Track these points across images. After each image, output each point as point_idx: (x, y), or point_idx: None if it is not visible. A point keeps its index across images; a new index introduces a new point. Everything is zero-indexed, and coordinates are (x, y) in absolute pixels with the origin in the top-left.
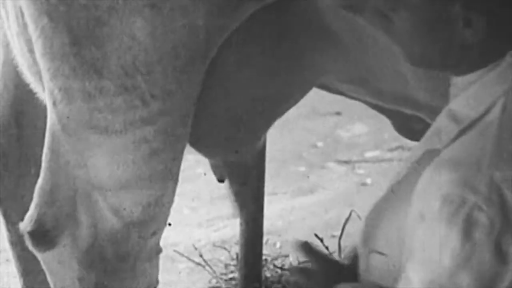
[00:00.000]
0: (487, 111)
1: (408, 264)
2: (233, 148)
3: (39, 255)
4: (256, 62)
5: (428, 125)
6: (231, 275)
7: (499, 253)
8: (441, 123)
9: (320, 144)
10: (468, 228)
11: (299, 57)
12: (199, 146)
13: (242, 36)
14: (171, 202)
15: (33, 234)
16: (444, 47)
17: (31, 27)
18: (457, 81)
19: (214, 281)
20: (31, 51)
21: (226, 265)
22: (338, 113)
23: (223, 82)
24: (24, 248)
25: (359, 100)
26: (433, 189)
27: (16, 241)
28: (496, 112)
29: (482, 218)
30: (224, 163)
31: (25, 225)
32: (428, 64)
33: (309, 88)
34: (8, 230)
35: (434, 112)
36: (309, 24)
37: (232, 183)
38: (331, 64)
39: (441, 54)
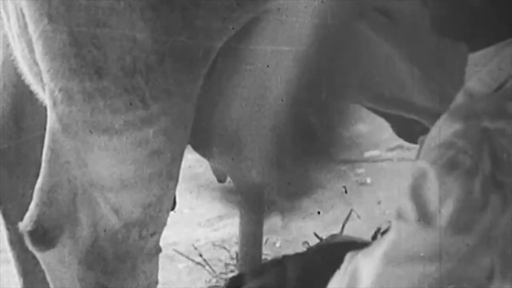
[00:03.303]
0: (498, 88)
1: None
2: (236, 155)
3: (38, 255)
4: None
5: (426, 128)
6: (231, 275)
7: (479, 198)
8: (458, 101)
9: None
10: (449, 168)
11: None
12: (201, 152)
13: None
14: (171, 202)
15: (32, 234)
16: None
17: (31, 28)
18: (473, 60)
19: (214, 280)
20: (31, 52)
21: (226, 265)
22: None
23: (222, 89)
24: (24, 248)
25: (356, 103)
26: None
27: (16, 241)
28: (508, 88)
29: (465, 160)
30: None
31: (24, 225)
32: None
33: None
34: (8, 229)
35: (431, 115)
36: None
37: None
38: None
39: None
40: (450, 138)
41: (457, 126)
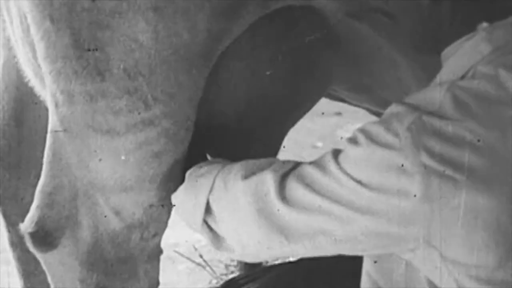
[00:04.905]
0: (462, 77)
1: None
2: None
3: (39, 256)
4: (265, 71)
5: None
6: (231, 276)
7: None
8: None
9: (320, 144)
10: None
11: (308, 65)
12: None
13: (250, 44)
14: (172, 203)
15: (34, 235)
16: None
17: (33, 30)
18: (444, 54)
19: (214, 281)
20: (35, 55)
21: (226, 266)
22: (338, 114)
23: (232, 92)
24: (25, 249)
25: (360, 107)
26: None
27: (17, 242)
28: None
29: (388, 139)
30: None
31: (26, 226)
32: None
33: (319, 97)
34: (9, 231)
35: None
36: (317, 33)
37: None
38: (339, 72)
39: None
40: (388, 116)
41: (399, 109)
